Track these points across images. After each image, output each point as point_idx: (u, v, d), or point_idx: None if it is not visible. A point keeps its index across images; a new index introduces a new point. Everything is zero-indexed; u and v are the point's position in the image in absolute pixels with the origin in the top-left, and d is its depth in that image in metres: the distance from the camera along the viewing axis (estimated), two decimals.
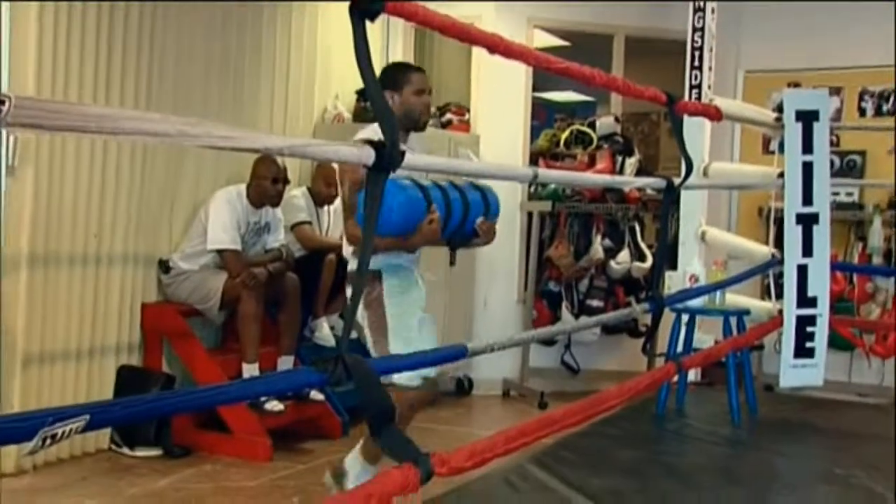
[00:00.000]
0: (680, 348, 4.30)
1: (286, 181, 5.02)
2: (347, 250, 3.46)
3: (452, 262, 3.73)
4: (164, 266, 4.88)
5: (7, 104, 1.12)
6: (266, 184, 4.90)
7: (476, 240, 3.51)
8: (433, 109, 6.38)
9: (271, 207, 5.02)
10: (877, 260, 6.10)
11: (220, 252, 4.82)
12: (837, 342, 5.39)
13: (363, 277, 1.92)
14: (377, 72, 1.79)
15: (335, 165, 5.19)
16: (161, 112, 4.21)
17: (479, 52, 5.62)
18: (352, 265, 3.42)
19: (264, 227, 5.01)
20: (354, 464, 3.45)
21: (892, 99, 6.37)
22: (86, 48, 4.35)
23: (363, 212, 1.82)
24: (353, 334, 4.92)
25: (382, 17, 1.72)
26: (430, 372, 3.30)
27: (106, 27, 4.45)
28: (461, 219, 3.37)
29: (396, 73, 3.49)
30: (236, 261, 4.80)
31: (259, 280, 4.74)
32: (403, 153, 1.81)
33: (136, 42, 4.63)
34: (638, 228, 6.33)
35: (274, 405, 4.70)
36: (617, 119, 6.60)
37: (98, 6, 4.39)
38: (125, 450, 4.57)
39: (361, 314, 3.36)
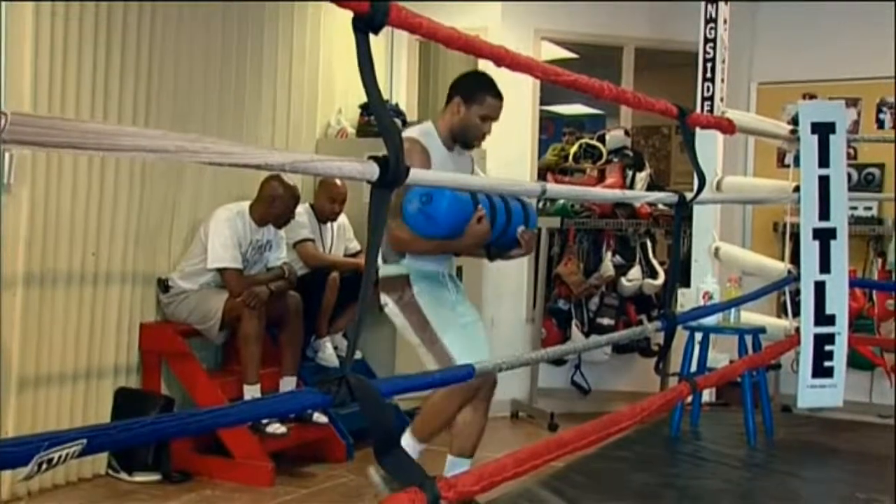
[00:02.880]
0: (694, 368, 4.26)
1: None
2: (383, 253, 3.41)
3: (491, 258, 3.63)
4: (164, 285, 4.80)
5: (3, 121, 1.11)
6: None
7: (516, 250, 3.46)
8: None
9: (277, 228, 4.96)
10: None
11: (220, 271, 4.74)
12: (857, 361, 5.29)
13: (368, 288, 1.84)
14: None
15: (338, 182, 5.15)
16: (160, 126, 4.20)
17: (485, 65, 5.56)
18: (384, 270, 3.40)
19: (266, 245, 4.93)
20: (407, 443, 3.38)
21: None
22: (83, 55, 4.29)
23: (369, 226, 1.76)
24: (358, 354, 4.89)
25: (386, 30, 1.68)
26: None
27: (104, 37, 4.39)
28: (504, 226, 3.33)
29: (475, 87, 3.41)
30: (237, 280, 4.72)
31: (260, 299, 4.65)
32: (408, 169, 1.76)
33: (135, 55, 4.57)
34: (649, 244, 6.24)
35: (276, 428, 4.61)
36: (627, 133, 6.52)
37: (95, 14, 4.33)
38: (123, 475, 4.48)
39: (402, 325, 3.38)
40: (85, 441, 1.27)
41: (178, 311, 4.79)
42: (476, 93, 3.38)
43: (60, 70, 4.18)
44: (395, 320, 3.44)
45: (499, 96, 3.42)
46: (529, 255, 3.59)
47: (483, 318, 6.18)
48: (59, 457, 1.23)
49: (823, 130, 4.21)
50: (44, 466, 1.22)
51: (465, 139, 3.45)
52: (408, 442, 3.34)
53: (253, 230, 4.86)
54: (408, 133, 3.32)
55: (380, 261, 3.41)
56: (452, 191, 3.14)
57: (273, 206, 4.85)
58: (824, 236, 4.19)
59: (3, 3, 3.89)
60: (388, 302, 3.41)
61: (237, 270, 4.75)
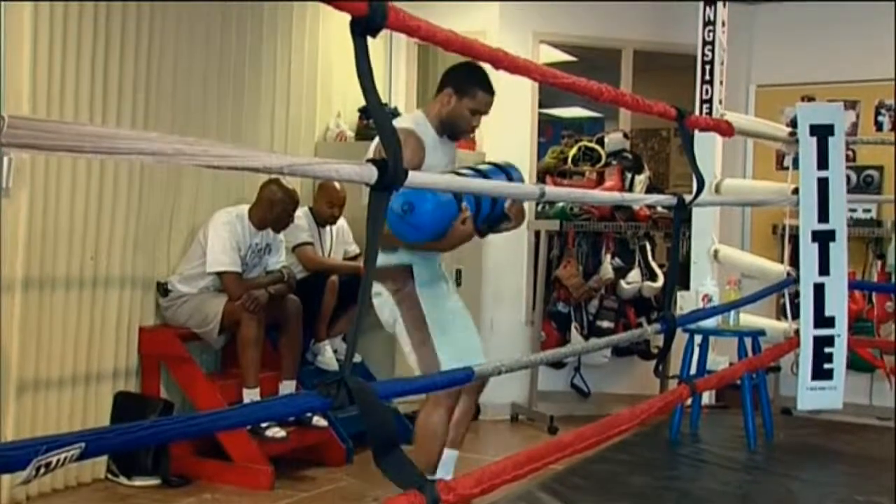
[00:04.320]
0: (693, 370, 4.25)
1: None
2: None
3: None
4: (163, 289, 4.79)
5: (1, 124, 1.10)
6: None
7: (506, 223, 3.43)
8: None
9: (275, 232, 4.95)
10: None
11: (219, 274, 4.73)
12: (857, 363, 5.29)
13: (368, 291, 1.85)
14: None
15: (337, 185, 5.15)
16: (159, 127, 4.19)
17: (483, 68, 5.55)
18: (382, 259, 3.28)
19: (265, 249, 4.92)
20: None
21: None
22: (82, 56, 4.28)
23: (367, 228, 1.76)
24: (357, 357, 4.88)
25: (385, 33, 1.68)
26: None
27: (102, 39, 4.38)
28: (490, 206, 3.30)
29: (468, 80, 3.36)
30: (236, 283, 4.71)
31: (260, 303, 4.64)
32: (406, 172, 1.76)
33: (133, 57, 4.57)
34: (649, 247, 6.24)
35: (275, 432, 4.60)
36: (626, 135, 6.52)
37: (94, 15, 4.32)
38: (122, 479, 4.47)
39: (391, 314, 3.32)
40: (83, 445, 1.26)
41: (178, 315, 4.78)
42: (468, 86, 3.34)
43: (59, 71, 4.18)
44: (382, 310, 3.36)
45: (491, 91, 3.38)
46: (519, 226, 3.53)
47: (482, 321, 6.25)
48: (58, 460, 1.23)
49: (822, 133, 4.20)
50: (42, 470, 1.21)
51: (453, 131, 3.42)
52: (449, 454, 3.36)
53: (252, 234, 4.85)
54: (401, 123, 3.26)
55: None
56: (434, 196, 3.09)
57: (272, 209, 4.85)
58: (823, 238, 4.18)
59: (3, 4, 3.89)
60: (383, 292, 3.32)
61: (236, 274, 4.74)
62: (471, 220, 3.20)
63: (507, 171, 3.38)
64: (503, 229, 3.50)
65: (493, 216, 3.35)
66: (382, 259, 3.35)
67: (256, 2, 5.40)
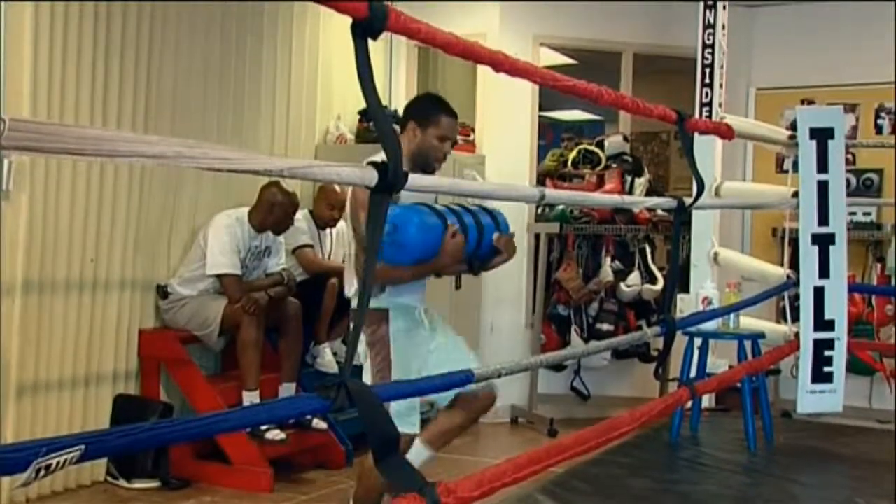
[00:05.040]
0: (693, 373, 4.24)
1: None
2: (351, 287, 3.31)
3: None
4: (162, 291, 4.79)
5: (1, 126, 1.11)
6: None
7: (497, 258, 3.36)
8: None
9: (276, 235, 4.95)
10: None
11: (219, 277, 4.73)
12: (856, 367, 5.28)
13: (366, 303, 1.85)
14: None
15: (337, 187, 5.15)
16: (160, 129, 4.17)
17: (484, 71, 5.56)
18: (355, 302, 3.32)
19: (265, 251, 4.93)
20: (421, 453, 3.30)
21: None
22: (82, 56, 4.29)
23: (366, 234, 1.76)
24: (357, 360, 4.86)
25: (385, 35, 1.68)
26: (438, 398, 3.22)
27: (103, 40, 4.39)
28: (478, 239, 3.25)
29: (428, 109, 3.31)
30: (236, 286, 4.71)
31: (259, 305, 4.64)
32: (407, 175, 1.76)
33: (134, 59, 4.57)
34: (648, 250, 6.24)
35: (275, 434, 4.59)
36: (626, 138, 6.52)
37: (94, 15, 4.33)
38: (122, 481, 4.47)
39: (363, 352, 3.26)
40: (83, 447, 1.27)
41: (177, 318, 4.78)
42: (430, 114, 3.28)
43: (60, 72, 4.19)
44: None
45: (453, 115, 3.32)
46: (511, 259, 3.43)
47: (482, 324, 6.24)
48: (58, 463, 1.23)
49: (822, 136, 4.20)
50: (42, 473, 1.21)
51: (425, 162, 3.31)
52: (418, 450, 3.28)
53: (252, 236, 4.85)
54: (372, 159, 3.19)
55: (353, 287, 3.30)
56: (418, 214, 3.05)
57: (272, 212, 4.85)
58: (823, 241, 4.18)
59: (3, 3, 3.89)
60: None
61: (236, 276, 4.74)
62: (460, 236, 3.13)
63: (493, 215, 3.34)
64: (497, 264, 3.41)
65: (482, 252, 3.30)
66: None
67: (257, 1, 5.39)
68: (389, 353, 3.23)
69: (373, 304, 3.25)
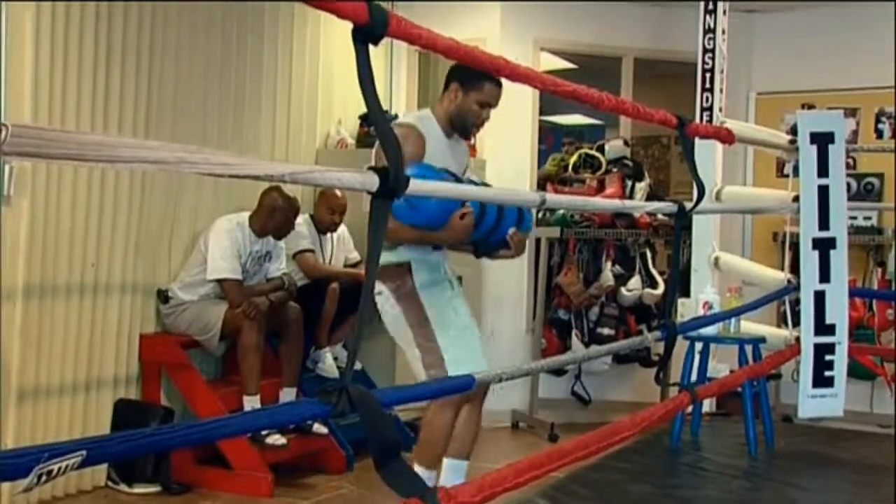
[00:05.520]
0: (694, 377, 4.25)
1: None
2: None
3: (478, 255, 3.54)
4: (163, 296, 4.79)
5: (3, 132, 1.11)
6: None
7: (504, 251, 3.35)
8: None
9: (276, 239, 4.95)
10: None
11: (220, 282, 4.73)
12: (857, 371, 5.27)
13: (368, 299, 1.83)
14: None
15: (338, 192, 5.15)
16: (160, 133, 4.15)
17: None
18: (382, 257, 3.28)
19: (265, 256, 4.93)
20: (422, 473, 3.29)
21: None
22: (83, 63, 4.29)
23: (369, 236, 1.75)
24: (357, 365, 4.86)
25: (386, 40, 1.67)
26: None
27: (104, 48, 4.39)
28: (493, 224, 3.22)
29: (474, 73, 3.24)
30: (237, 290, 4.71)
31: (260, 310, 4.64)
32: (408, 179, 1.75)
33: (135, 64, 4.56)
34: (649, 254, 6.23)
35: (276, 439, 4.59)
36: (626, 143, 6.52)
37: (95, 22, 4.33)
38: (123, 486, 4.46)
39: (393, 313, 3.25)
40: (84, 453, 1.27)
41: (178, 322, 4.78)
42: (474, 79, 3.26)
43: (61, 77, 4.18)
44: (386, 311, 3.29)
45: (498, 83, 3.30)
46: (518, 257, 3.41)
47: (483, 328, 6.22)
48: (59, 468, 1.23)
49: (822, 140, 4.20)
50: (43, 478, 1.21)
51: (463, 126, 3.35)
52: (427, 474, 3.24)
53: (252, 241, 4.85)
54: (404, 118, 3.22)
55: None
56: (442, 179, 3.00)
57: (273, 217, 4.85)
58: (824, 246, 4.18)
59: (4, 5, 3.90)
60: (384, 290, 3.25)
61: (237, 281, 4.74)
62: (471, 219, 3.11)
63: (521, 209, 3.31)
64: (501, 256, 3.42)
65: (494, 238, 3.28)
66: (381, 257, 3.31)
67: (258, 1, 5.38)
68: (421, 307, 3.22)
69: (394, 258, 3.24)
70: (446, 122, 3.36)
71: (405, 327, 3.26)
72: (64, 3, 4.18)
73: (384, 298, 3.28)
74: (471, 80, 3.28)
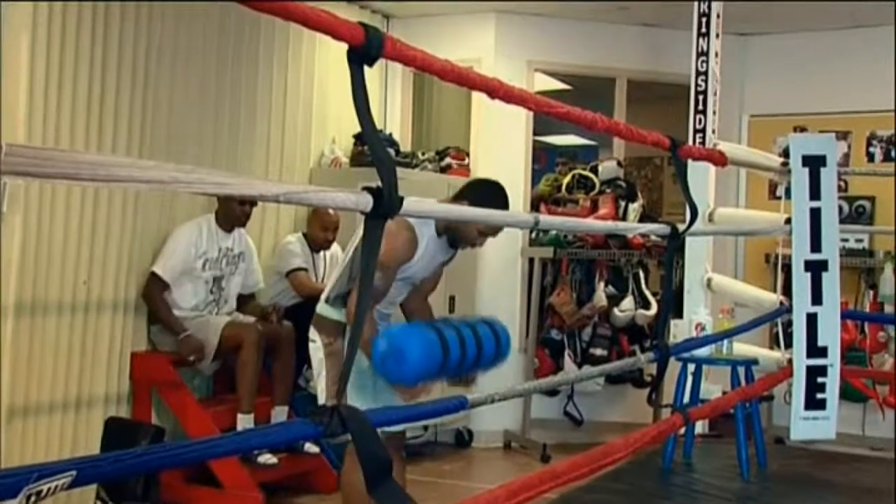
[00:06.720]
0: (686, 399, 4.23)
1: (253, 203, 4.94)
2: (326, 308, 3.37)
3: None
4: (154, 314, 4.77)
5: None
6: (233, 205, 4.80)
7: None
8: (433, 154, 6.32)
9: (240, 228, 4.93)
10: (888, 308, 5.99)
11: (152, 274, 4.68)
12: (850, 393, 5.28)
13: (361, 319, 1.83)
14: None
15: (331, 210, 5.14)
16: (154, 150, 4.12)
17: (479, 96, 5.56)
18: (324, 309, 3.39)
19: (238, 256, 4.91)
20: None
21: None
22: (78, 79, 4.29)
23: (362, 258, 1.77)
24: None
25: (381, 61, 1.67)
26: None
27: (99, 65, 4.39)
28: (475, 356, 3.18)
29: (487, 200, 3.20)
30: (155, 286, 4.66)
31: (258, 330, 4.69)
32: (402, 199, 1.75)
33: (130, 81, 4.57)
34: (642, 275, 6.25)
35: (267, 458, 4.58)
36: (620, 163, 6.54)
37: (91, 38, 4.34)
38: None
39: (319, 364, 3.32)
40: (74, 473, 1.26)
41: (169, 341, 4.76)
42: (485, 206, 3.15)
43: (55, 93, 4.18)
44: (314, 356, 3.39)
45: None
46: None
47: None
48: (49, 489, 1.22)
49: (814, 163, 4.21)
50: (33, 499, 1.20)
51: (454, 240, 3.36)
52: None
53: (221, 237, 4.83)
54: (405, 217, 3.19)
55: (325, 294, 3.39)
56: (420, 343, 3.00)
57: (221, 204, 4.82)
58: (816, 268, 4.17)
59: (1, 12, 3.91)
60: (317, 340, 3.36)
61: (160, 281, 4.67)
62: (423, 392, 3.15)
63: (492, 326, 3.24)
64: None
65: (482, 361, 3.21)
66: (325, 308, 3.37)
67: (253, 21, 5.37)
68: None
69: (335, 315, 3.33)
70: (444, 227, 3.35)
71: (323, 378, 3.33)
72: (60, 22, 4.18)
73: (316, 347, 3.38)
74: (482, 206, 3.17)
